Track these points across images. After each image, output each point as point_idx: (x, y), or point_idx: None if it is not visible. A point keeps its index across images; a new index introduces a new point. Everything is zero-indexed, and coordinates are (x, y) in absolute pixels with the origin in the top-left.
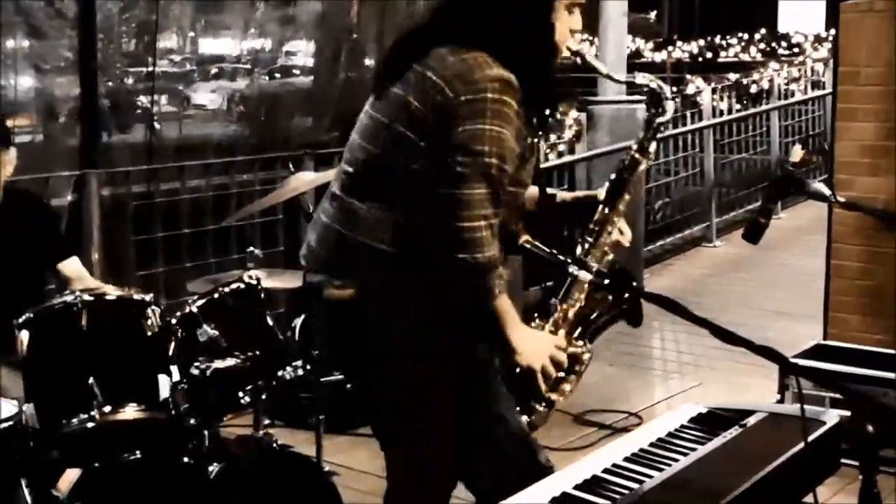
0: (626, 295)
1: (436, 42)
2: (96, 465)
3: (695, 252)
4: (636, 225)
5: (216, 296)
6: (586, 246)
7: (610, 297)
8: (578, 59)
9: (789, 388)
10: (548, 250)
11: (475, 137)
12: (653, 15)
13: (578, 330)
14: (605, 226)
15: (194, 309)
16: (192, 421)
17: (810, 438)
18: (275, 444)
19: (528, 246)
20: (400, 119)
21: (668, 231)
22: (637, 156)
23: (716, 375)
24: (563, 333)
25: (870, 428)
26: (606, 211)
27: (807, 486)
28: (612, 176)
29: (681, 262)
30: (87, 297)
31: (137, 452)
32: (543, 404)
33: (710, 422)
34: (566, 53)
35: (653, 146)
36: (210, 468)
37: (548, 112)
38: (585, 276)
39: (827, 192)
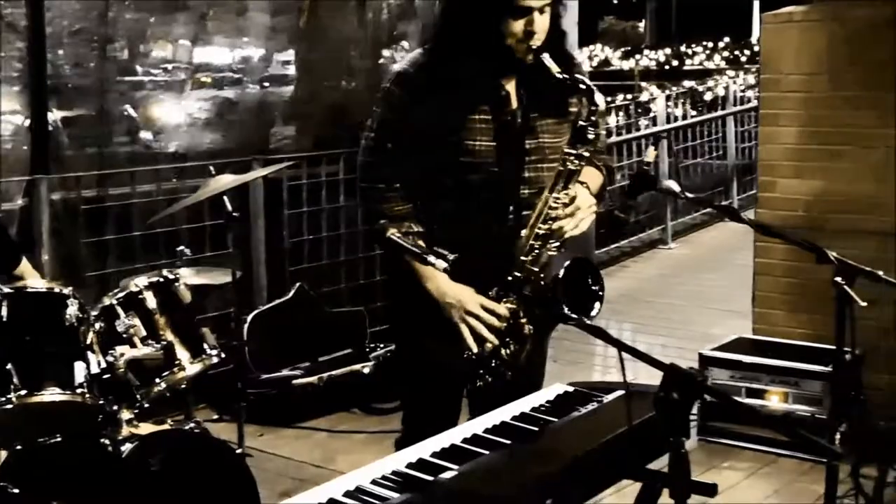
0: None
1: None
2: (18, 447)
3: (651, 254)
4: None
5: (133, 289)
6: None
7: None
8: (531, 57)
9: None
10: (410, 242)
11: (371, 119)
12: (642, 24)
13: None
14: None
15: (113, 301)
16: (109, 406)
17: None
18: (187, 428)
19: (393, 238)
20: None
21: (623, 234)
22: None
23: (653, 371)
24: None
25: (675, 395)
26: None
27: (647, 456)
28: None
29: (637, 265)
30: (6, 289)
31: (57, 436)
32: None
33: (573, 399)
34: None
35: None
36: (122, 448)
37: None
38: (441, 264)
39: (676, 188)
